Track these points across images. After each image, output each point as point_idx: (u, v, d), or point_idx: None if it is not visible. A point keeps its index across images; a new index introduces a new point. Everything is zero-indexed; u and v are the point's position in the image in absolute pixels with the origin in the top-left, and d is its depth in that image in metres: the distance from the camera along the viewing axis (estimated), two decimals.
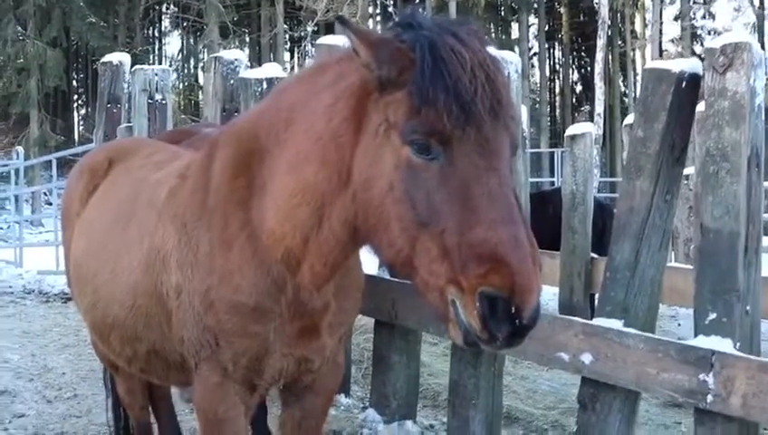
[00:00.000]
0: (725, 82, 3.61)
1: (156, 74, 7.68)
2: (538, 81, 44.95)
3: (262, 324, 2.84)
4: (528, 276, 2.09)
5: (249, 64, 7.17)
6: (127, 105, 8.10)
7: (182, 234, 3.01)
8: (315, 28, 30.86)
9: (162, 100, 7.65)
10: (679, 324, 9.41)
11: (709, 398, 3.51)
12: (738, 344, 3.53)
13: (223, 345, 2.89)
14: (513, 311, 2.06)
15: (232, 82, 6.69)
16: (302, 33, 34.54)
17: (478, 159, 2.21)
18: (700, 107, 3.88)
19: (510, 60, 4.99)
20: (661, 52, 37.96)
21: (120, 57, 8.54)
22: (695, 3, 43.71)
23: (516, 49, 38.01)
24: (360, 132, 2.44)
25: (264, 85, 6.17)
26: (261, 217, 2.78)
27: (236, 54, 7.05)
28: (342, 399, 5.71)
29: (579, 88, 51.92)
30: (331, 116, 2.55)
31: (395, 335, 5.24)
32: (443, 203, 2.20)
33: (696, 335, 3.67)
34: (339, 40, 5.24)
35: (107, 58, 8.50)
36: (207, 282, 2.87)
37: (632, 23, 41.68)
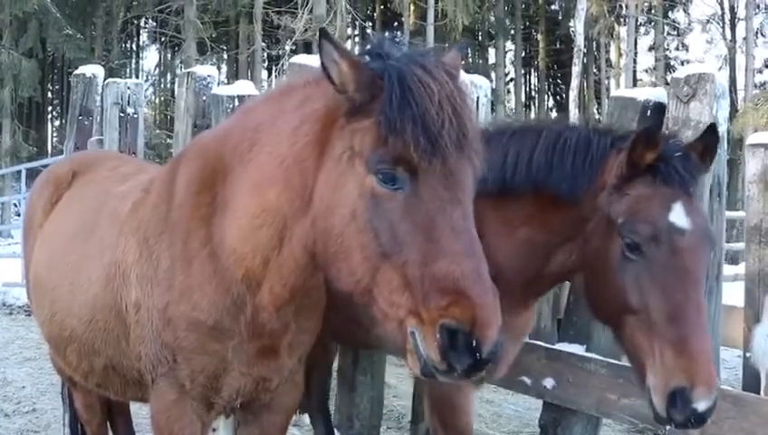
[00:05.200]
0: (689, 112, 3.67)
1: (128, 88, 7.64)
2: (514, 106, 45.22)
3: (220, 343, 2.81)
4: (489, 310, 2.09)
5: (226, 81, 7.14)
6: (99, 118, 8.05)
7: (143, 248, 2.98)
8: (293, 47, 30.86)
9: (134, 113, 7.60)
10: None
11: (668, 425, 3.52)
12: None
13: (180, 362, 2.86)
14: (474, 344, 2.06)
15: (204, 98, 6.68)
16: (280, 52, 34.51)
17: (443, 191, 2.21)
18: None
19: (480, 84, 5.03)
20: (635, 81, 38.38)
21: (93, 69, 8.49)
22: (669, 34, 44.37)
23: (493, 74, 38.28)
24: (324, 158, 2.42)
25: (236, 102, 6.16)
26: (222, 236, 2.76)
27: (209, 70, 7.04)
28: (306, 419, 5.66)
29: (554, 114, 52.38)
30: (296, 139, 2.53)
31: (360, 356, 5.22)
32: (406, 234, 2.19)
33: None
34: (312, 60, 5.25)
35: (80, 70, 8.45)
36: (167, 298, 2.84)
37: (607, 52, 42.14)
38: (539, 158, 3.13)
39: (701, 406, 2.59)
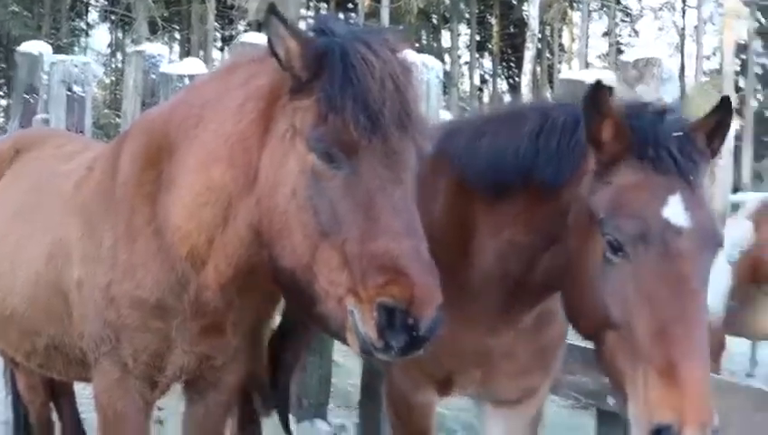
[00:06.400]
0: (636, 95, 3.72)
1: (76, 66, 7.49)
2: (468, 89, 45.45)
3: (163, 321, 2.79)
4: (427, 289, 2.11)
5: (179, 60, 7.02)
6: (45, 96, 7.90)
7: (86, 226, 2.95)
8: (246, 27, 30.60)
9: (82, 92, 7.47)
10: None
11: (610, 399, 3.61)
12: None
13: (123, 341, 2.83)
14: (411, 322, 2.07)
15: (153, 76, 6.59)
16: (234, 32, 34.23)
17: (383, 170, 2.22)
18: None
19: (431, 65, 5.05)
20: (587, 66, 38.81)
21: (39, 47, 8.29)
22: (621, 21, 44.94)
23: (447, 57, 38.43)
24: (268, 136, 2.42)
25: (186, 81, 6.09)
26: (167, 214, 2.74)
27: (159, 49, 6.95)
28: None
29: (507, 98, 52.73)
30: (241, 117, 2.52)
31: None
32: (346, 212, 2.20)
33: None
34: (260, 38, 5.21)
35: (25, 47, 8.26)
36: (110, 276, 2.82)
37: (560, 36, 42.58)
38: (525, 142, 2.67)
39: None
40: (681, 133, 2.37)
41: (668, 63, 3.86)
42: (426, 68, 4.96)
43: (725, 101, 2.47)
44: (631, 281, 2.25)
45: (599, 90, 2.36)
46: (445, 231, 2.84)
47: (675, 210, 2.26)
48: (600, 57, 45.56)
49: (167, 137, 2.80)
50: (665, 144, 2.33)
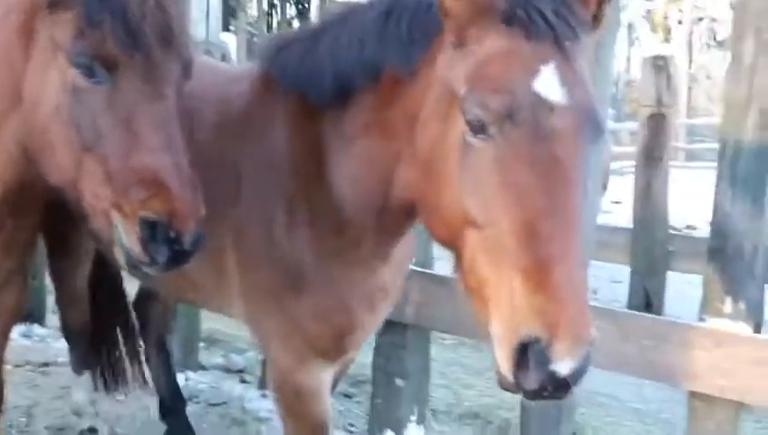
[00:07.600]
0: None
1: None
2: (256, 13, 44.64)
3: None
4: (188, 203, 2.16)
5: None
6: None
7: None
8: None
9: None
10: None
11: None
12: (414, 260, 3.89)
13: None
14: (173, 236, 2.13)
15: None
16: None
17: (144, 85, 2.22)
18: None
19: None
20: None
21: None
22: None
23: None
24: (31, 51, 2.35)
25: None
26: None
27: None
28: (37, 329, 5.52)
29: (296, 23, 52.35)
30: (2, 30, 2.42)
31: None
32: (107, 128, 2.20)
33: None
34: None
35: None
36: None
37: None
38: (371, 28, 2.35)
39: (563, 368, 1.68)
40: None
41: None
42: None
43: None
44: (495, 167, 1.85)
45: None
46: (292, 162, 2.71)
47: (547, 83, 1.86)
48: None
49: None
50: (536, 4, 1.92)
